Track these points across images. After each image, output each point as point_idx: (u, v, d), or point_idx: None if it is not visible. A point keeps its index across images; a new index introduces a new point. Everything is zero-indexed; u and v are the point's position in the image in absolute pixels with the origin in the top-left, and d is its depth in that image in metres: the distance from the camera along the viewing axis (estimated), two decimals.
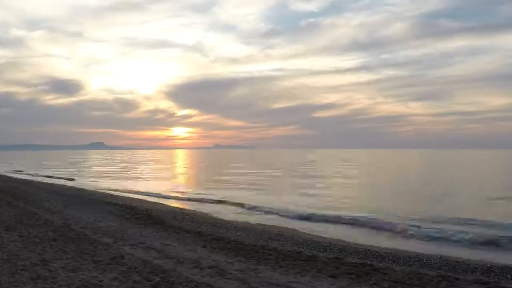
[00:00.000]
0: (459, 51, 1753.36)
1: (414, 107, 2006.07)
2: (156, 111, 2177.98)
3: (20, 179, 35.55)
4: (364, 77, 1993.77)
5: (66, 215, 13.86)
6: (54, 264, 7.37)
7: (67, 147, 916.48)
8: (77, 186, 29.45)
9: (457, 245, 11.91)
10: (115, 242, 9.71)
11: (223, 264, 7.90)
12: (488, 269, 8.52)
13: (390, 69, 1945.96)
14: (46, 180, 36.93)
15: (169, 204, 20.69)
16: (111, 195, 23.56)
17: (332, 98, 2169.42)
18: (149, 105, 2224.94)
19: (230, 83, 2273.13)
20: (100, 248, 8.92)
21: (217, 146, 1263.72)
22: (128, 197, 22.66)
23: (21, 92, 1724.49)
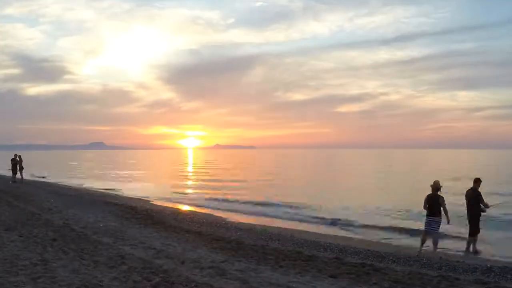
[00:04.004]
0: None
1: (461, 100, 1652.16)
2: (156, 105, 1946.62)
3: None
4: (418, 51, 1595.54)
5: (66, 215, 13.86)
6: (54, 264, 7.38)
7: (66, 147, 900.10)
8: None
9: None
10: (115, 242, 9.72)
11: (223, 264, 7.90)
12: (488, 269, 8.51)
13: (457, 35, 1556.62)
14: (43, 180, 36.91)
15: (170, 205, 20.70)
16: (115, 195, 23.57)
17: (368, 84, 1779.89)
18: (148, 97, 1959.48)
19: (247, 63, 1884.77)
20: (100, 248, 8.93)
21: (218, 146, 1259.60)
22: (129, 197, 22.68)
23: None
